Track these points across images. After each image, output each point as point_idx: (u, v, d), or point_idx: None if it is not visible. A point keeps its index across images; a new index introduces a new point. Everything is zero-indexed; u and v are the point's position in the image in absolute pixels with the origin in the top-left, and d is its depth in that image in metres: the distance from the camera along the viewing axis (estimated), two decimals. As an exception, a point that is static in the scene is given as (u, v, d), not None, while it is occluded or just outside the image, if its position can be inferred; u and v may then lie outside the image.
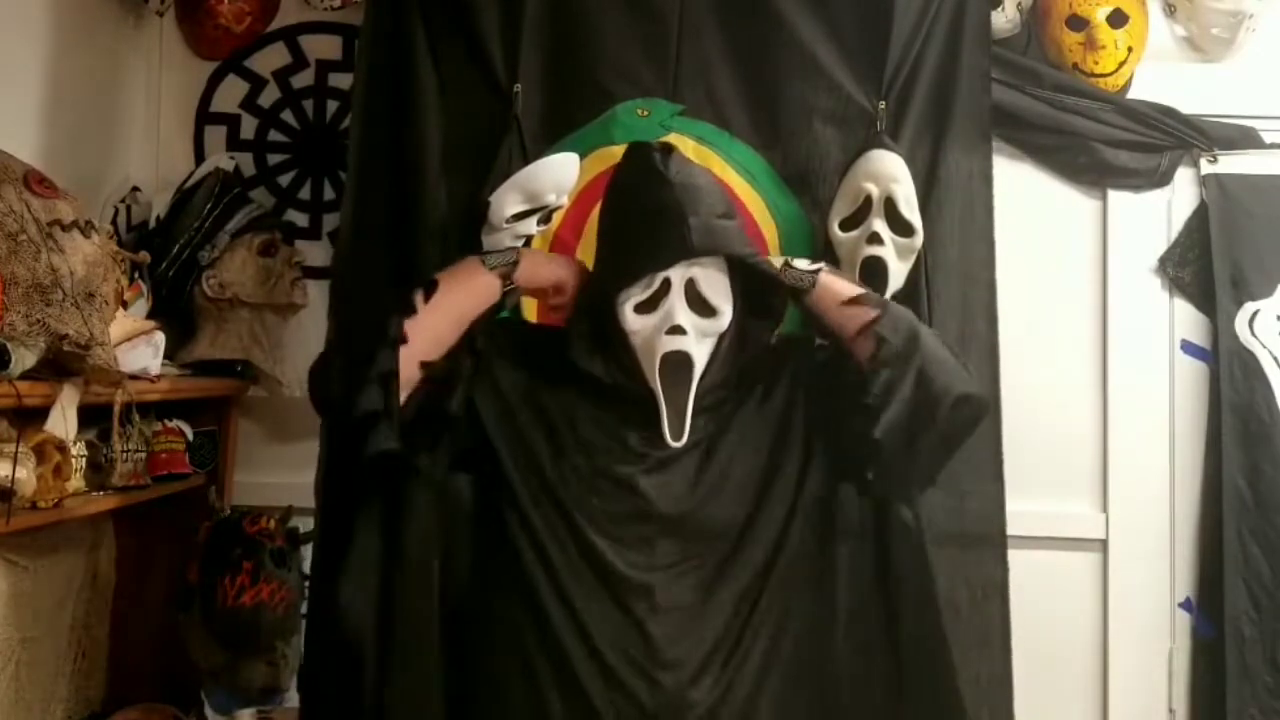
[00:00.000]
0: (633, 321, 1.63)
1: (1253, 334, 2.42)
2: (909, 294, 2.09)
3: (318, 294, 2.47)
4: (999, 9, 2.38)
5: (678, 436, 1.61)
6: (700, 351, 1.64)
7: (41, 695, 2.09)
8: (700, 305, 1.63)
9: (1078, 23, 2.44)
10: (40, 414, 1.78)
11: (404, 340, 1.58)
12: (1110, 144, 2.46)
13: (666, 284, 1.62)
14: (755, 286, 1.69)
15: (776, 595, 1.65)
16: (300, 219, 2.58)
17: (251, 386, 2.51)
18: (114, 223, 2.38)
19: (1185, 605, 2.47)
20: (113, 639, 2.31)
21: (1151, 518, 2.48)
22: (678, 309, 1.62)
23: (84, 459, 1.96)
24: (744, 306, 1.68)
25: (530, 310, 2.17)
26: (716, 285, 1.65)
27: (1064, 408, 2.49)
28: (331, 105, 2.60)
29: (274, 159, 2.60)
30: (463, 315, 1.64)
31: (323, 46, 2.61)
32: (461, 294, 1.64)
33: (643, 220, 1.66)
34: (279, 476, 2.43)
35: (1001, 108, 2.34)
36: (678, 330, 1.61)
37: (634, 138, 2.11)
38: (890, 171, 2.06)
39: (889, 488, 1.77)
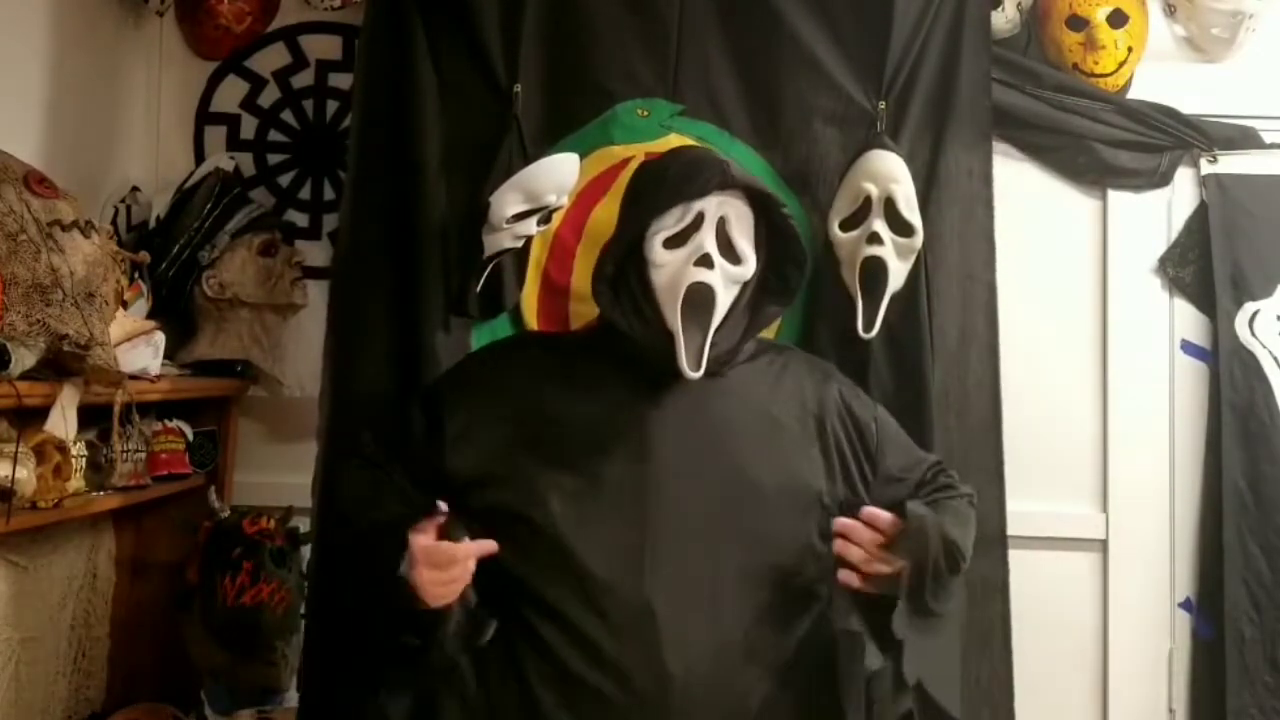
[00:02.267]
0: (660, 255, 1.62)
1: (1253, 334, 2.42)
2: (909, 294, 2.09)
3: (318, 294, 2.46)
4: (999, 9, 2.38)
5: (695, 366, 1.59)
6: (724, 294, 1.63)
7: (41, 695, 2.09)
8: (728, 248, 1.63)
9: (1078, 23, 2.44)
10: (40, 414, 1.78)
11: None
12: (1110, 144, 2.46)
13: (699, 218, 1.62)
14: (777, 251, 1.69)
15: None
16: (300, 219, 2.58)
17: (251, 386, 2.51)
18: (114, 223, 2.38)
19: (1185, 605, 2.47)
20: (113, 639, 2.31)
21: (1151, 518, 2.48)
22: (708, 242, 1.62)
23: (84, 459, 1.96)
24: (762, 275, 1.69)
25: (530, 313, 2.18)
26: (746, 230, 1.65)
27: (1064, 408, 2.49)
28: (331, 105, 2.60)
29: (274, 159, 2.60)
30: None
31: (323, 46, 2.61)
32: None
33: (679, 162, 1.69)
34: (279, 476, 2.43)
35: (1001, 108, 2.34)
36: (706, 262, 1.60)
37: (634, 138, 2.14)
38: (890, 171, 2.06)
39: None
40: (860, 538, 1.58)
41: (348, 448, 2.07)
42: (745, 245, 1.65)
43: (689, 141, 2.13)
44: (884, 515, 1.59)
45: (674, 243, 1.62)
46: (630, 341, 1.65)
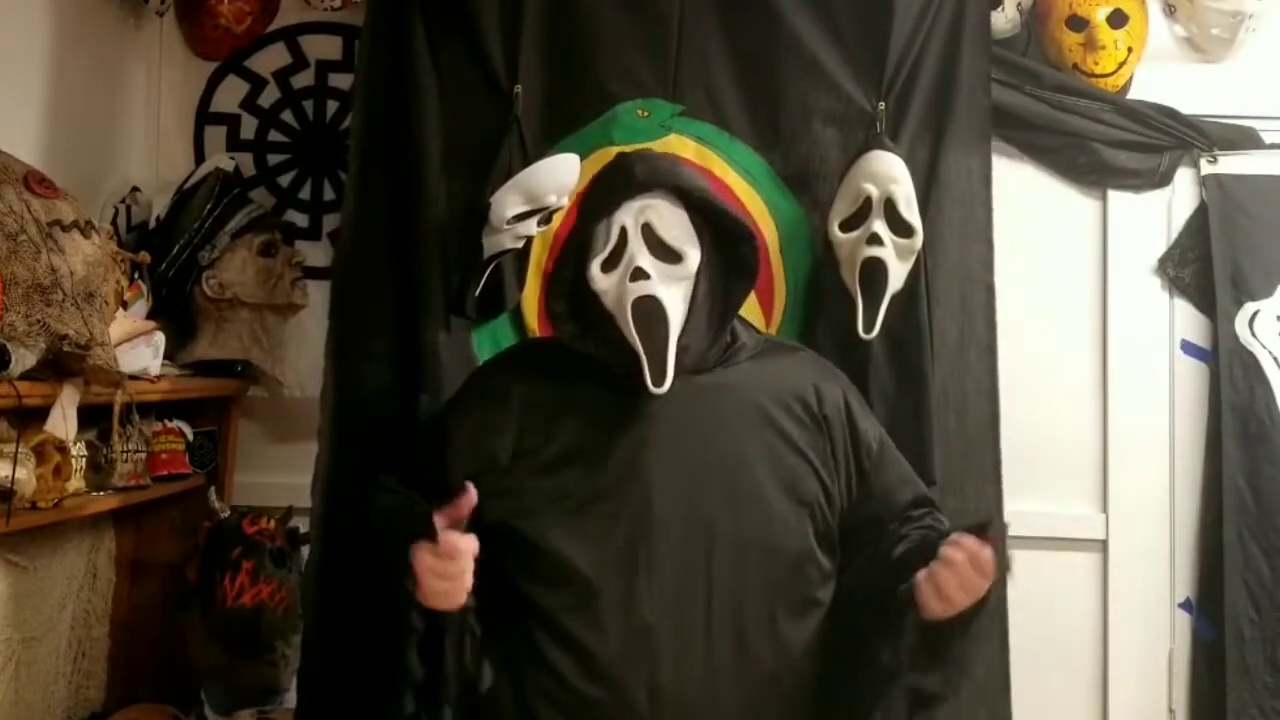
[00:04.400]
0: (600, 281, 1.63)
1: (1253, 334, 2.42)
2: (908, 295, 2.09)
3: (318, 294, 2.47)
4: (999, 9, 2.38)
5: (659, 382, 1.58)
6: (671, 297, 1.62)
7: (41, 695, 2.09)
8: (661, 250, 1.62)
9: (1078, 23, 2.44)
10: (40, 414, 1.78)
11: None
12: (1110, 144, 2.46)
13: (624, 234, 1.62)
14: (723, 234, 1.68)
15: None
16: (300, 219, 2.59)
17: (251, 387, 2.51)
18: (114, 223, 2.38)
19: (1185, 605, 2.47)
20: (113, 639, 2.31)
21: (1151, 518, 2.48)
22: (638, 254, 1.61)
23: (84, 459, 1.97)
24: (716, 259, 1.67)
25: (530, 313, 2.18)
26: (675, 227, 1.64)
27: (1064, 408, 2.49)
28: (331, 105, 2.60)
29: (274, 159, 2.60)
30: None
31: (323, 46, 2.61)
32: None
33: (594, 182, 1.71)
34: (279, 476, 2.43)
35: (1001, 108, 2.34)
36: (640, 274, 1.60)
37: (634, 138, 2.13)
38: (890, 172, 2.06)
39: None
40: (962, 568, 1.49)
41: (351, 452, 2.09)
42: (679, 241, 1.63)
43: (688, 143, 2.14)
44: (978, 545, 1.48)
45: (608, 265, 1.63)
46: (606, 365, 1.65)
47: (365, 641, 1.70)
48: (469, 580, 1.51)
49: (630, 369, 1.61)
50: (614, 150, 2.14)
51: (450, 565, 1.49)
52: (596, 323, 1.65)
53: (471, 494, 1.54)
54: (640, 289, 1.60)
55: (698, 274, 1.65)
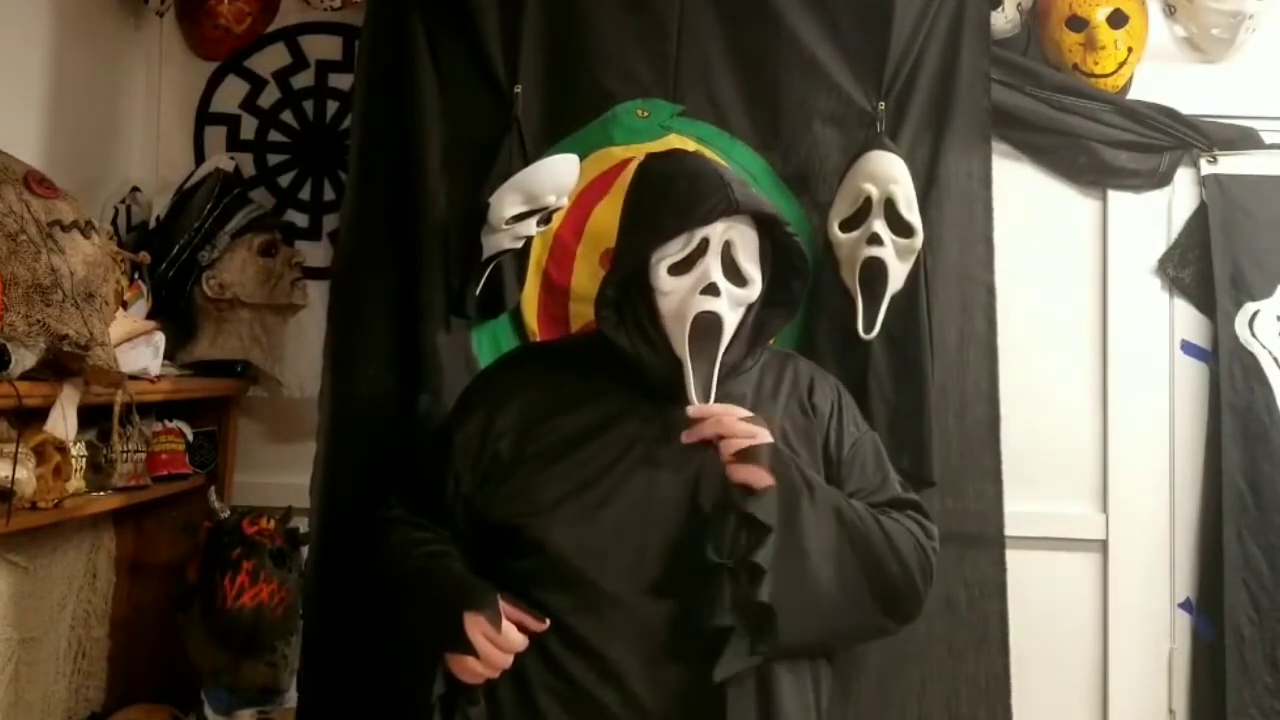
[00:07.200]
0: (666, 282, 1.61)
1: (1253, 334, 2.42)
2: (908, 295, 2.09)
3: (318, 294, 2.47)
4: (999, 9, 2.38)
5: (704, 398, 1.59)
6: (731, 319, 1.62)
7: (41, 695, 2.09)
8: (734, 272, 1.62)
9: (1078, 23, 2.44)
10: (40, 414, 1.78)
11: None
12: (1110, 144, 2.46)
13: (704, 244, 1.60)
14: (780, 265, 1.68)
15: None
16: (300, 219, 2.59)
17: (251, 387, 2.52)
18: (114, 223, 2.39)
19: (1185, 606, 2.47)
20: (113, 639, 2.32)
21: (1151, 518, 2.48)
22: (713, 269, 1.60)
23: (84, 459, 1.97)
24: (765, 291, 1.67)
25: (530, 313, 2.18)
26: (750, 252, 1.64)
27: (1064, 408, 2.49)
28: (331, 105, 2.60)
29: (274, 159, 2.60)
30: None
31: (323, 46, 2.61)
32: None
33: (682, 181, 1.66)
34: (279, 476, 2.43)
35: (1001, 108, 2.34)
36: (712, 290, 1.59)
37: (634, 139, 2.14)
38: (890, 172, 2.06)
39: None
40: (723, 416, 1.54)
41: (351, 452, 2.08)
42: (751, 267, 1.63)
43: (688, 143, 2.14)
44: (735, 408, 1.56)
45: (679, 269, 1.61)
46: (638, 362, 1.64)
47: (373, 681, 1.70)
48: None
49: (666, 375, 1.61)
50: (614, 150, 2.15)
51: (500, 656, 1.53)
52: (640, 318, 1.64)
53: (543, 624, 1.56)
54: (709, 303, 1.59)
55: (752, 302, 1.65)
